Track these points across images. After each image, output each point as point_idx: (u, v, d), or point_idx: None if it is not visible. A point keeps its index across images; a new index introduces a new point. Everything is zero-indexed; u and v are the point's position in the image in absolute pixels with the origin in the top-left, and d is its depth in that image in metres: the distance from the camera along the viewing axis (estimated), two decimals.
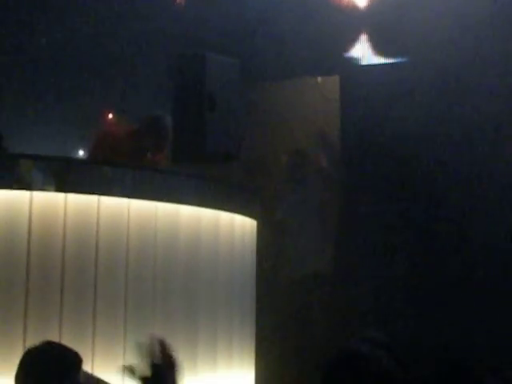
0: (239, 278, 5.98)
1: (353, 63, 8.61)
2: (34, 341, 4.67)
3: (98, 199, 5.03)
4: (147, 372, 2.93)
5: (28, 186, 4.86)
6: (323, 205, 8.35)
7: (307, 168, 8.51)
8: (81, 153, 9.89)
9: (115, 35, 8.80)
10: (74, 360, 2.99)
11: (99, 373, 4.17)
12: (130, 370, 2.94)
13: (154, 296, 5.26)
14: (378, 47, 8.42)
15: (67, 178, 4.99)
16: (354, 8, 8.43)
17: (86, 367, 3.38)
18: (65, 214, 4.93)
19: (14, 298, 4.81)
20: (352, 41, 8.59)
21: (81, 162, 6.47)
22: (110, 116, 7.18)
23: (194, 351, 5.42)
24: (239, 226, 6.01)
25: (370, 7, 8.37)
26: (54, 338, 4.68)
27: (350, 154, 8.35)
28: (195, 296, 5.51)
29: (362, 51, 8.58)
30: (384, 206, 8.05)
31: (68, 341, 4.51)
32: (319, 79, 8.55)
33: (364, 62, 8.57)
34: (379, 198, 8.09)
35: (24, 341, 4.76)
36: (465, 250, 7.73)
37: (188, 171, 6.38)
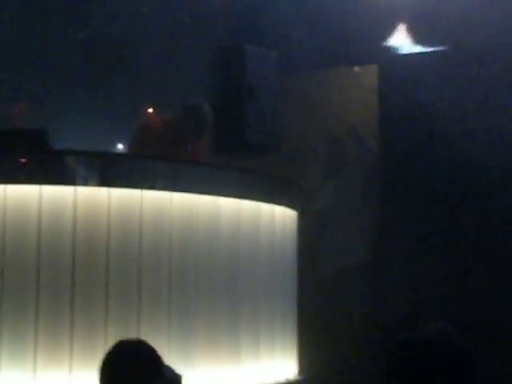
0: (280, 268, 6.01)
1: (391, 52, 8.57)
2: (80, 335, 4.81)
3: (141, 193, 5.10)
4: None
5: (72, 182, 4.95)
6: (361, 195, 8.35)
7: (345, 158, 8.51)
8: (120, 147, 9.97)
9: (153, 27, 8.84)
10: (160, 356, 3.03)
11: None
12: None
13: (197, 288, 5.31)
14: (417, 36, 8.38)
15: (110, 172, 5.07)
16: None
17: None
18: (108, 208, 5.01)
19: (60, 291, 4.90)
20: (390, 29, 8.55)
21: (123, 156, 6.54)
22: (150, 110, 7.22)
23: (237, 342, 5.48)
24: (279, 216, 6.04)
25: None
26: (100, 333, 4.80)
27: (388, 144, 8.33)
28: (237, 287, 5.56)
29: (401, 40, 8.54)
30: (424, 199, 8.01)
31: (112, 335, 4.63)
32: (357, 69, 8.54)
33: (402, 51, 8.53)
34: (418, 189, 8.04)
35: (71, 335, 4.85)
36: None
37: (228, 163, 6.45)
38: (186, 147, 6.75)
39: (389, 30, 8.55)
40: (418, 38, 8.41)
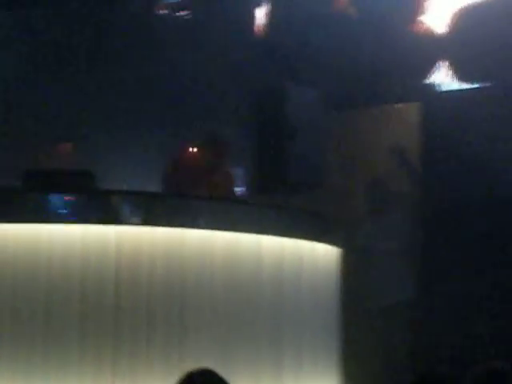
0: (323, 305, 5.99)
1: (435, 89, 8.56)
2: (122, 368, 4.85)
3: (184, 232, 5.14)
4: None
5: (116, 221, 5.02)
6: (405, 232, 8.31)
7: (389, 195, 8.48)
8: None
9: (195, 65, 8.93)
10: None
11: None
12: None
13: (240, 325, 5.33)
14: (458, 73, 8.37)
15: (154, 211, 5.13)
16: (434, 34, 8.41)
17: None
18: (152, 247, 5.06)
19: (103, 331, 4.96)
20: (433, 66, 8.56)
21: (166, 195, 6.59)
22: (188, 147, 7.34)
23: (280, 379, 5.47)
24: (322, 254, 6.03)
25: (449, 33, 8.32)
26: (143, 368, 4.84)
27: (431, 180, 8.29)
28: (280, 325, 5.56)
29: (444, 77, 8.53)
30: (471, 238, 7.93)
31: (157, 369, 4.67)
32: (400, 106, 8.54)
33: (446, 88, 8.51)
34: (465, 228, 7.97)
35: (113, 367, 4.90)
36: None
37: (270, 201, 6.48)
38: (212, 176, 6.73)
39: (432, 67, 8.56)
40: (461, 75, 8.40)
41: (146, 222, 5.08)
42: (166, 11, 9.65)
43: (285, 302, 5.60)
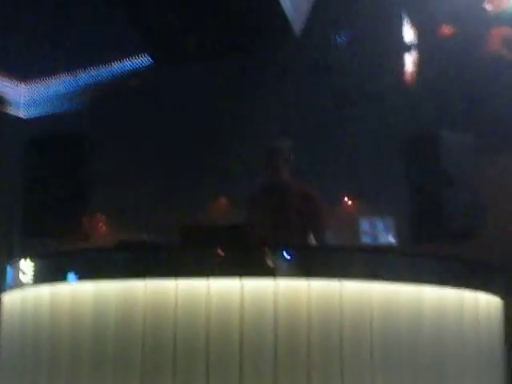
0: (487, 358, 5.78)
1: None
2: None
3: (340, 283, 5.07)
4: None
5: (272, 273, 4.99)
6: None
7: None
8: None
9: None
10: None
11: None
12: None
13: (399, 379, 5.18)
14: None
15: (310, 263, 5.09)
16: None
17: None
18: (308, 299, 5.00)
19: (263, 382, 4.92)
20: None
21: (321, 247, 6.56)
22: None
23: None
24: (484, 304, 5.84)
25: None
26: None
27: None
28: (441, 377, 5.39)
29: None
30: None
31: None
32: None
33: None
34: None
35: None
36: None
37: (428, 250, 6.32)
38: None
39: None
40: None
41: (301, 273, 5.05)
42: None
43: (447, 353, 5.43)
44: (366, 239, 9.82)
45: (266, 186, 6.59)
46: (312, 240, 6.28)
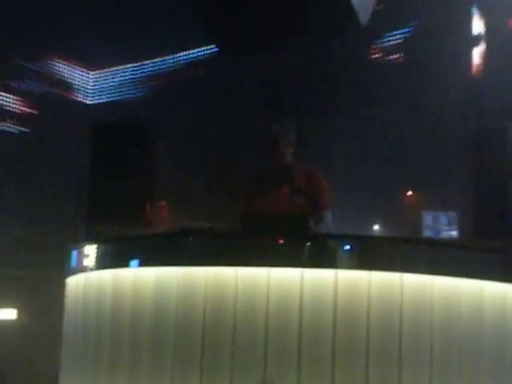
0: None
1: None
2: None
3: (402, 276, 5.04)
4: None
5: (333, 265, 4.99)
6: None
7: None
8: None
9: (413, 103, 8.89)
10: None
11: None
12: None
13: (459, 376, 5.14)
14: None
15: (371, 255, 5.07)
16: None
17: None
18: (368, 291, 4.99)
19: (320, 375, 4.92)
20: None
21: (383, 239, 6.52)
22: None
23: None
24: None
25: None
26: None
27: None
28: (504, 375, 5.32)
29: None
30: None
31: None
32: None
33: None
34: None
35: None
36: None
37: (490, 245, 6.25)
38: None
39: None
40: None
41: (362, 265, 5.04)
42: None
43: (508, 350, 5.37)
44: (428, 233, 9.75)
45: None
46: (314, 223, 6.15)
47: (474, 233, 6.40)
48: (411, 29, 10.50)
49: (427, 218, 9.95)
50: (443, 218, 9.31)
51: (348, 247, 5.06)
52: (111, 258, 5.60)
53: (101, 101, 12.57)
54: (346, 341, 4.95)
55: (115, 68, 12.69)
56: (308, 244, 5.07)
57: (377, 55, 10.89)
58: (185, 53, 12.14)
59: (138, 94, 12.37)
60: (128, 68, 12.62)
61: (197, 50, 11.89)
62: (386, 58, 10.80)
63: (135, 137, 6.53)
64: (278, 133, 6.38)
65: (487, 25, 9.26)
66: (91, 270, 5.68)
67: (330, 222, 6.38)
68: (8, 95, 12.36)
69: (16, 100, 12.29)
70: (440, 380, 5.05)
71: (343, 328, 4.94)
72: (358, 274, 5.01)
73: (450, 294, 5.16)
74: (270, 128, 6.38)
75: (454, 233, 6.81)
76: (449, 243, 5.93)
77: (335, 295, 4.95)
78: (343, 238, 5.19)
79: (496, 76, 8.45)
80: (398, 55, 10.64)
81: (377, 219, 9.73)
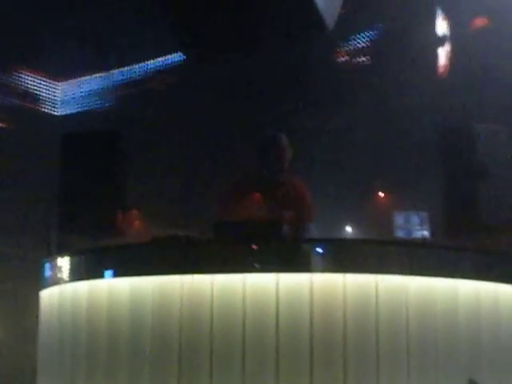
0: None
1: None
2: None
3: (376, 278, 5.07)
4: None
5: (308, 268, 5.01)
6: None
7: None
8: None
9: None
10: None
11: None
12: None
13: (437, 379, 5.17)
14: None
15: (345, 258, 5.09)
16: None
17: None
18: (344, 294, 5.01)
19: (298, 376, 4.93)
20: None
21: (356, 241, 6.55)
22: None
23: None
24: None
25: None
26: None
27: None
28: (478, 373, 5.37)
29: None
30: None
31: None
32: None
33: None
34: None
35: None
36: None
37: (463, 244, 6.30)
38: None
39: None
40: None
41: (337, 268, 5.06)
42: None
43: (482, 348, 5.41)
44: (400, 233, 9.81)
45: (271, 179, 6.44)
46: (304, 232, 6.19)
47: (446, 232, 6.44)
48: (377, 30, 10.57)
49: (399, 219, 10.01)
50: (415, 219, 9.38)
51: (322, 251, 5.08)
52: (85, 270, 5.58)
53: (70, 111, 12.51)
54: (323, 343, 4.97)
55: (83, 78, 12.65)
56: (282, 249, 5.09)
57: (344, 57, 10.95)
58: (153, 61, 12.13)
59: (108, 104, 12.34)
60: (96, 77, 12.59)
61: (165, 57, 11.88)
62: (353, 60, 10.86)
63: (106, 146, 6.51)
64: (285, 144, 6.39)
65: (456, 24, 9.34)
66: (65, 281, 5.66)
67: (314, 234, 6.42)
68: None
69: None
70: (416, 380, 5.08)
71: (320, 331, 4.96)
72: (333, 277, 5.03)
73: (424, 293, 5.19)
74: (279, 139, 6.36)
75: (427, 233, 6.85)
76: (422, 244, 5.96)
77: (311, 299, 4.97)
78: (317, 242, 5.21)
79: (463, 76, 8.54)
80: (365, 57, 10.70)
81: (349, 221, 9.78)
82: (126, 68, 12.13)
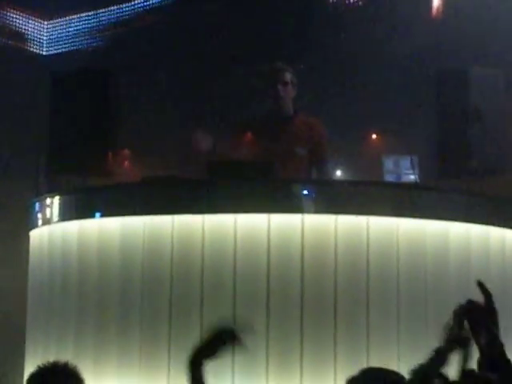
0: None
1: None
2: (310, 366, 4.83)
3: (367, 219, 5.06)
4: None
5: (300, 210, 4.99)
6: None
7: None
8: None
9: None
10: None
11: None
12: None
13: (426, 317, 5.20)
14: None
15: (337, 199, 5.08)
16: None
17: None
18: (335, 235, 5.01)
19: (288, 318, 4.96)
20: None
21: (349, 183, 6.53)
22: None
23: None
24: (510, 241, 5.82)
25: None
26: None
27: None
28: None
29: None
30: None
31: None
32: None
33: None
34: None
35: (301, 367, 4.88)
36: None
37: (454, 186, 6.29)
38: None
39: None
40: None
41: (328, 210, 5.05)
42: None
43: (471, 290, 5.42)
44: (391, 176, 9.80)
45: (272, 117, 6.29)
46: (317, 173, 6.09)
47: (437, 174, 6.42)
48: None
49: (389, 162, 9.99)
50: (406, 162, 9.36)
51: (314, 192, 5.06)
52: (75, 210, 5.55)
53: (57, 51, 12.39)
54: (314, 283, 4.98)
55: (70, 17, 12.50)
56: (274, 189, 5.07)
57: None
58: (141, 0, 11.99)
59: (96, 43, 12.22)
60: (83, 17, 12.44)
61: None
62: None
63: (95, 85, 6.42)
64: (289, 78, 6.18)
65: None
66: (55, 222, 5.63)
67: (329, 173, 6.32)
68: None
69: None
70: (407, 319, 5.11)
71: (311, 271, 4.97)
72: (324, 218, 5.02)
73: (415, 235, 5.19)
74: (283, 73, 6.12)
75: (418, 175, 6.84)
76: (413, 186, 5.93)
77: (302, 240, 4.96)
78: (309, 183, 5.19)
79: (462, 18, 8.46)
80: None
81: (340, 164, 9.75)
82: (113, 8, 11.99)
